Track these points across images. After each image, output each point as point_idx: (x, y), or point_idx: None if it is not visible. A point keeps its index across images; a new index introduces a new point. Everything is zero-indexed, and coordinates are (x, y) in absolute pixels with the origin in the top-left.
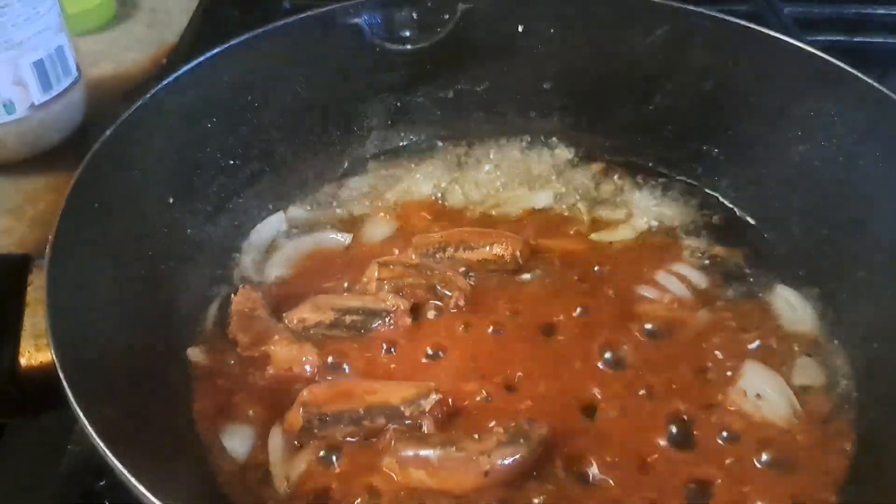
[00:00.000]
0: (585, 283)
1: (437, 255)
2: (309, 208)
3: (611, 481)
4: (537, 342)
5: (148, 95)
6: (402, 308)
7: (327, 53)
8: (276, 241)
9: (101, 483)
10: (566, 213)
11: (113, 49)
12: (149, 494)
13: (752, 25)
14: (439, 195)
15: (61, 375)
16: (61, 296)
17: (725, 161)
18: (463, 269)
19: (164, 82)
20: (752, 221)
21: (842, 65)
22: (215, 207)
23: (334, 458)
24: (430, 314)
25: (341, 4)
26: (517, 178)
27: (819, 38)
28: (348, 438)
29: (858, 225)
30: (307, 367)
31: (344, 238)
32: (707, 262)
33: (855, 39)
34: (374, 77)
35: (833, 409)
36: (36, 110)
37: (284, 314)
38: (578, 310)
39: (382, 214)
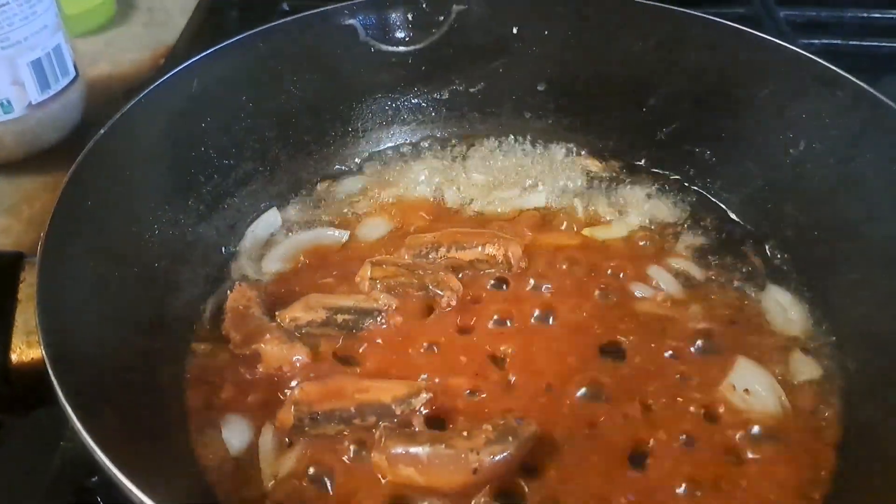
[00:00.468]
0: (579, 279)
1: (430, 256)
2: (303, 208)
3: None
4: (531, 340)
5: (142, 94)
6: (394, 307)
7: (322, 54)
8: (273, 237)
9: (94, 479)
10: (560, 212)
11: (111, 50)
12: (137, 492)
13: (745, 28)
14: (434, 195)
15: (50, 372)
16: (52, 293)
17: (718, 163)
18: (455, 269)
19: (159, 82)
20: (743, 223)
21: (835, 68)
22: (209, 207)
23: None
24: (423, 313)
25: (336, 5)
26: (512, 177)
27: (814, 41)
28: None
29: (850, 226)
30: (298, 367)
31: (341, 235)
32: (698, 261)
33: (850, 43)
34: (369, 78)
35: (821, 405)
36: (34, 110)
37: (277, 313)
38: (571, 307)
39: (377, 214)
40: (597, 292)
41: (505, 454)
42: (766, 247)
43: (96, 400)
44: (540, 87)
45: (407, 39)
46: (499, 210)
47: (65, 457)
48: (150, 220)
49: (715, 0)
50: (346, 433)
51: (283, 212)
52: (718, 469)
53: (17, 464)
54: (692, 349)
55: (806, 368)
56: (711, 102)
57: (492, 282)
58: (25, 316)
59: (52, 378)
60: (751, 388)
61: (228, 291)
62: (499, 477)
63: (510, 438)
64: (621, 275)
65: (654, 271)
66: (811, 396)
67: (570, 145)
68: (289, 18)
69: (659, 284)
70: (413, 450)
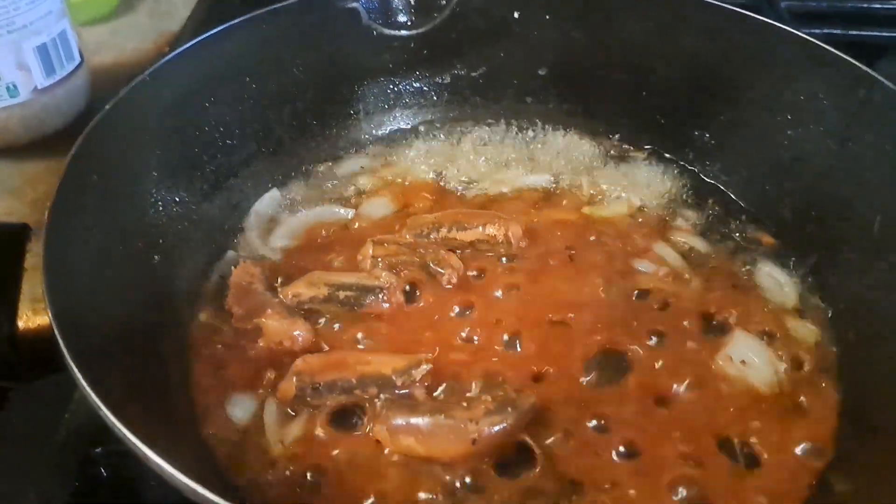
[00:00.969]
0: (579, 255)
1: (431, 236)
2: (307, 188)
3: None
4: (532, 317)
5: (147, 72)
6: (396, 285)
7: (325, 37)
8: (277, 215)
9: (98, 450)
10: (562, 193)
11: (116, 38)
12: (143, 448)
13: (744, 11)
14: (436, 176)
15: (57, 334)
16: (58, 261)
17: (717, 145)
18: (457, 248)
19: (164, 60)
20: (742, 203)
21: (832, 49)
22: (212, 186)
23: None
24: (424, 291)
25: None
26: (513, 160)
27: (815, 30)
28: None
29: (847, 206)
30: (300, 341)
31: (346, 212)
32: (697, 240)
33: (850, 33)
34: (371, 61)
35: (816, 379)
36: (39, 94)
37: (279, 289)
38: (574, 284)
39: (380, 194)
40: (599, 273)
41: (504, 425)
42: (764, 226)
43: (101, 364)
44: (541, 72)
45: (409, 23)
46: (501, 190)
47: (69, 428)
48: (154, 197)
49: None
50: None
51: (287, 192)
52: (716, 430)
53: (23, 435)
54: (686, 323)
55: (803, 334)
56: (711, 85)
57: (492, 259)
58: (31, 284)
59: (59, 340)
60: (747, 359)
61: (233, 267)
62: (498, 447)
63: (509, 409)
64: (621, 250)
65: (656, 248)
66: (806, 369)
67: (571, 129)
68: (293, 1)
69: (661, 259)
70: (413, 420)
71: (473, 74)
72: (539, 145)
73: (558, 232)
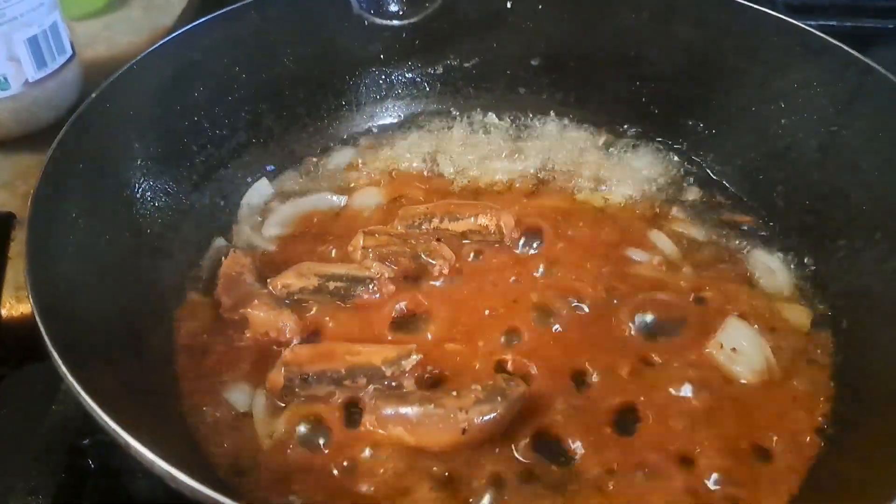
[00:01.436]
0: (572, 245)
1: (423, 226)
2: (298, 179)
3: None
4: (523, 306)
5: (135, 61)
6: (386, 276)
7: (316, 26)
8: (267, 206)
9: (85, 441)
10: (554, 182)
11: (109, 33)
12: (127, 437)
13: (739, 0)
14: (429, 166)
15: (39, 322)
16: (41, 249)
17: (710, 133)
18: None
19: (152, 48)
20: (735, 190)
21: (824, 36)
22: (202, 176)
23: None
24: (414, 282)
25: None
26: (506, 150)
27: (810, 21)
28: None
29: (839, 193)
30: (286, 333)
31: (339, 199)
32: (690, 228)
33: (846, 24)
34: (363, 51)
35: (808, 365)
36: (30, 87)
37: (269, 280)
38: (567, 269)
39: (372, 185)
40: (591, 259)
41: (494, 414)
42: (757, 214)
43: (84, 352)
44: (534, 62)
45: (401, 13)
46: (494, 178)
47: (56, 420)
48: (141, 187)
49: None
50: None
51: (279, 183)
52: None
53: (10, 427)
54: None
55: (796, 321)
56: (704, 74)
57: (485, 248)
58: (15, 272)
59: (42, 329)
60: (738, 346)
61: (223, 258)
62: (488, 437)
63: (499, 398)
64: (612, 239)
65: (650, 236)
66: (802, 348)
67: (564, 118)
68: None
69: (655, 247)
70: (403, 410)
71: (466, 65)
72: (532, 135)
73: (551, 220)
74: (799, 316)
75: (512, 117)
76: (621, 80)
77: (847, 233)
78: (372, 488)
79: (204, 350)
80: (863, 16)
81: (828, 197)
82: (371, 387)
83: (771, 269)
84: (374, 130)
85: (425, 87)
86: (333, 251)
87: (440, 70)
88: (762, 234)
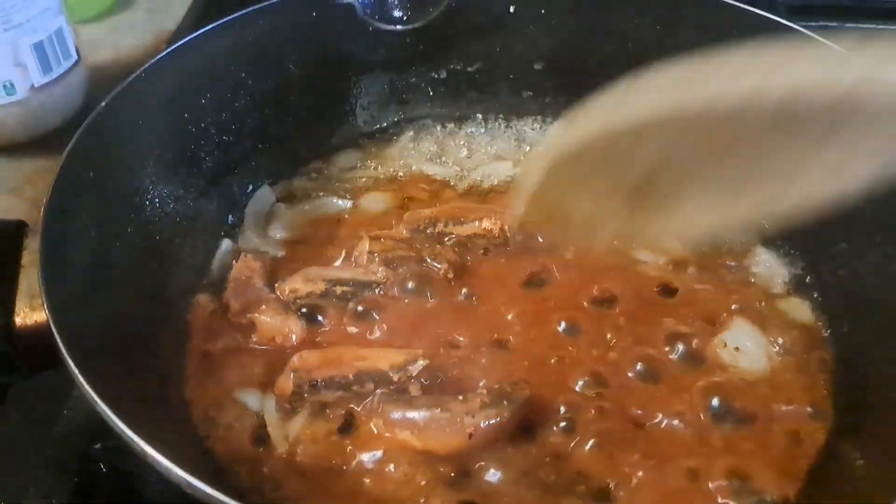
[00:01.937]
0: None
1: (428, 231)
2: (303, 184)
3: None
4: (528, 309)
5: (143, 69)
6: (392, 280)
7: (320, 32)
8: (273, 210)
9: (97, 446)
10: None
11: (114, 36)
12: (142, 444)
13: (739, 4)
14: (433, 171)
15: (53, 329)
16: (55, 257)
17: None
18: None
19: (159, 56)
20: None
21: (827, 42)
22: (209, 182)
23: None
24: (419, 286)
25: None
26: (511, 154)
27: (811, 23)
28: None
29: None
30: (292, 338)
31: (344, 203)
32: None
33: (847, 25)
34: (367, 56)
35: (810, 364)
36: (36, 92)
37: (276, 284)
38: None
39: (376, 189)
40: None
41: (499, 418)
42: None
43: (98, 360)
44: (537, 66)
45: (405, 18)
46: (498, 181)
47: (68, 425)
48: (150, 193)
49: None
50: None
51: (284, 187)
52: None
53: (22, 432)
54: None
55: (796, 321)
56: None
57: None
58: (29, 281)
59: (56, 337)
60: (741, 346)
61: (234, 262)
62: (494, 441)
63: (504, 403)
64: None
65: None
66: (804, 348)
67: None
68: None
69: (661, 248)
70: (409, 414)
71: (470, 69)
72: (537, 139)
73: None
74: (800, 317)
75: (516, 121)
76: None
77: (847, 236)
78: (386, 492)
79: (214, 354)
80: (864, 17)
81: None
82: (378, 391)
83: (771, 267)
84: (379, 134)
85: (429, 92)
86: (343, 254)
87: (444, 74)
88: (764, 235)
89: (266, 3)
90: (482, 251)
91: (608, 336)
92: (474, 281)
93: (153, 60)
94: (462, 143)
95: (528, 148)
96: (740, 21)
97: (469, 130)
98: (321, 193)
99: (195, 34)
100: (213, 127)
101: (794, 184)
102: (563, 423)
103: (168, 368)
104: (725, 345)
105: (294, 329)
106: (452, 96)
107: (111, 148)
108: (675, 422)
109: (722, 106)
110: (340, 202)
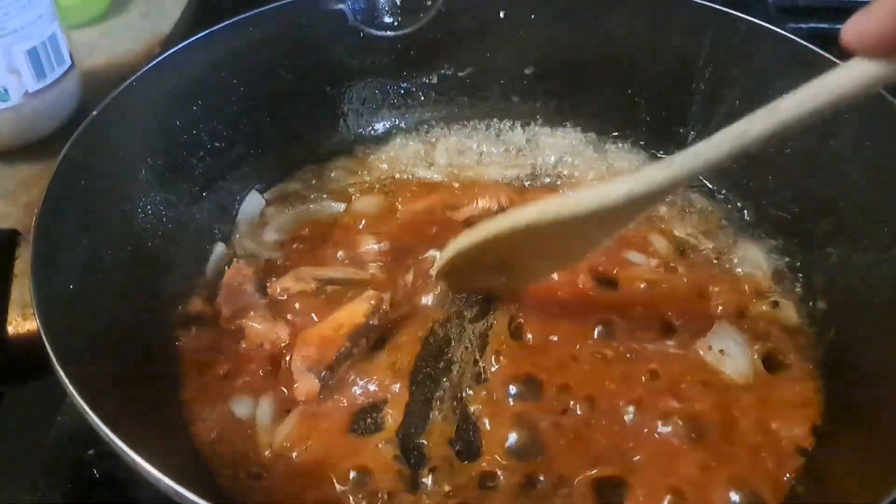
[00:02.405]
0: None
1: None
2: (295, 190)
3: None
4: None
5: (134, 77)
6: (383, 278)
7: (311, 39)
8: (265, 216)
9: (90, 452)
10: (548, 189)
11: (107, 40)
12: (130, 453)
13: (729, 10)
14: (424, 174)
15: (44, 339)
16: (46, 267)
17: (698, 141)
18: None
19: (151, 64)
20: (729, 198)
21: (815, 48)
22: (201, 188)
23: None
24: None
25: None
26: (501, 158)
27: (802, 25)
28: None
29: (827, 202)
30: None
31: (337, 206)
32: (681, 232)
33: (837, 27)
34: (358, 62)
35: (796, 368)
36: (30, 98)
37: (268, 283)
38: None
39: (368, 194)
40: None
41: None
42: (749, 221)
43: (89, 369)
44: (527, 71)
45: (395, 24)
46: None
47: (61, 431)
48: (142, 201)
49: None
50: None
51: (277, 192)
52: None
53: (15, 438)
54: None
55: (785, 324)
56: (696, 84)
57: None
58: (21, 290)
59: (47, 346)
60: (726, 348)
61: (226, 267)
62: None
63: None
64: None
65: (647, 239)
66: (791, 351)
67: (558, 127)
68: (280, 3)
69: (653, 251)
70: None
71: (460, 74)
72: (526, 143)
73: None
74: (788, 319)
75: (507, 126)
76: (614, 89)
77: (835, 240)
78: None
79: (206, 361)
80: None
81: (816, 204)
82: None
83: (760, 272)
84: (371, 139)
85: (420, 97)
86: (341, 254)
87: (435, 79)
88: (752, 238)
89: (257, 11)
90: None
91: None
92: None
93: (145, 68)
94: (453, 147)
95: (517, 152)
96: (730, 27)
97: (460, 136)
98: (313, 196)
99: (187, 41)
100: (205, 133)
101: (571, 249)
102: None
103: (160, 375)
104: (710, 347)
105: (281, 335)
106: (443, 101)
107: (103, 156)
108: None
109: (526, 223)
110: (333, 205)
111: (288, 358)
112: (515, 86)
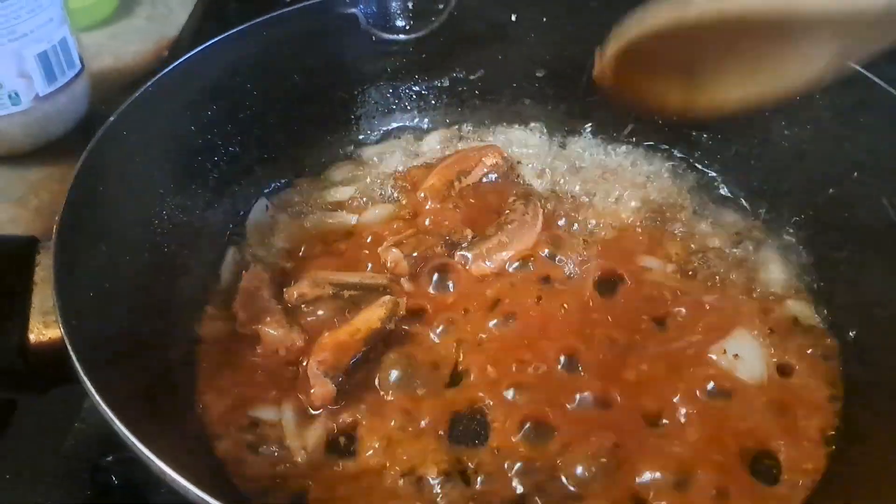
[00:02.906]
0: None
1: (451, 193)
2: (308, 193)
3: None
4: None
5: (150, 83)
6: (399, 282)
7: (324, 42)
8: (277, 221)
9: (108, 458)
10: (561, 193)
11: (115, 43)
12: (155, 459)
13: None
14: (436, 178)
15: (68, 346)
16: (68, 274)
17: (716, 145)
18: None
19: (166, 70)
20: (742, 201)
21: None
22: (215, 193)
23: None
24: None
25: None
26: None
27: None
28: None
29: (843, 206)
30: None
31: (349, 217)
32: (698, 236)
33: None
34: (370, 66)
35: (813, 374)
36: (41, 102)
37: (284, 289)
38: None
39: (380, 196)
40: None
41: None
42: (763, 222)
43: (111, 375)
44: (539, 73)
45: (407, 28)
46: None
47: (79, 438)
48: (159, 206)
49: None
50: None
51: (288, 196)
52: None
53: (34, 445)
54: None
55: (802, 330)
56: None
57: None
58: (42, 297)
59: (71, 353)
60: (741, 353)
61: (244, 272)
62: None
63: None
64: (629, 250)
65: (661, 244)
66: (807, 356)
67: (569, 129)
68: (292, 7)
69: (667, 256)
70: None
71: (472, 77)
72: (538, 146)
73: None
74: (806, 323)
75: (517, 128)
76: None
77: (851, 244)
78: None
79: (221, 365)
80: None
81: (831, 208)
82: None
83: (778, 278)
84: (382, 143)
85: (432, 100)
86: (349, 262)
87: (446, 83)
88: (769, 242)
89: (271, 15)
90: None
91: None
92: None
93: (160, 74)
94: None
95: (531, 156)
96: None
97: (472, 139)
98: (324, 202)
99: (201, 47)
100: (218, 138)
101: (786, 69)
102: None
103: (179, 379)
104: (725, 351)
105: (297, 341)
106: (455, 104)
107: (119, 163)
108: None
109: (743, 14)
110: (344, 211)
111: (304, 363)
112: (527, 88)
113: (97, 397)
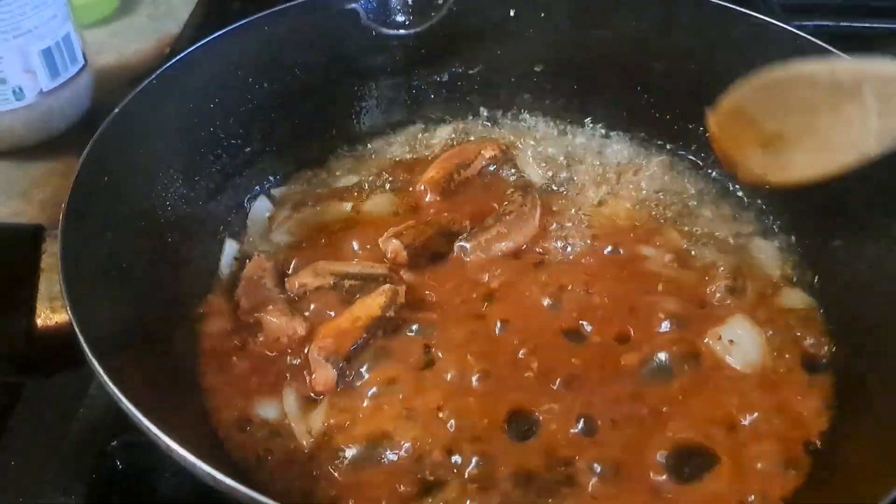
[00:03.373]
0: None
1: (451, 185)
2: (309, 186)
3: None
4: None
5: (154, 76)
6: (398, 271)
7: (325, 37)
8: (278, 213)
9: (114, 443)
10: (559, 187)
11: (117, 40)
12: (166, 438)
13: (735, 7)
14: (435, 171)
15: (77, 329)
16: (74, 261)
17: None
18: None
19: (170, 63)
20: (740, 195)
21: (822, 44)
22: (218, 185)
23: None
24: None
25: None
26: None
27: (807, 23)
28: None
29: (837, 195)
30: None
31: (348, 205)
32: (697, 228)
33: (841, 24)
34: (370, 60)
35: (807, 361)
36: (44, 97)
37: (286, 279)
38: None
39: (381, 190)
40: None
41: None
42: (759, 211)
43: (118, 359)
44: (537, 69)
45: (407, 23)
46: None
47: (85, 422)
48: (162, 197)
49: None
50: None
51: (289, 190)
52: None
53: (39, 430)
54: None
55: (798, 318)
56: (704, 80)
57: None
58: (48, 283)
59: (79, 336)
60: (736, 338)
61: (247, 261)
62: None
63: None
64: (628, 239)
65: (658, 234)
66: (802, 344)
67: (568, 124)
68: (293, 2)
69: (665, 245)
70: None
71: (471, 72)
72: (537, 141)
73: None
74: (799, 310)
75: (516, 123)
76: (624, 86)
77: (845, 232)
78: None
79: (224, 352)
80: (859, 16)
81: (826, 197)
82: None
83: (772, 265)
84: (383, 137)
85: (431, 95)
86: (356, 245)
87: (446, 77)
88: (764, 231)
89: (272, 10)
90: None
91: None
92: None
93: (163, 68)
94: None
95: (529, 150)
96: (738, 24)
97: (471, 133)
98: (326, 195)
99: (205, 41)
100: (221, 131)
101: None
102: None
103: (183, 365)
104: (720, 337)
105: (299, 329)
106: (454, 99)
107: (124, 154)
108: None
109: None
110: (345, 204)
111: (306, 350)
112: (526, 83)
113: (106, 378)
